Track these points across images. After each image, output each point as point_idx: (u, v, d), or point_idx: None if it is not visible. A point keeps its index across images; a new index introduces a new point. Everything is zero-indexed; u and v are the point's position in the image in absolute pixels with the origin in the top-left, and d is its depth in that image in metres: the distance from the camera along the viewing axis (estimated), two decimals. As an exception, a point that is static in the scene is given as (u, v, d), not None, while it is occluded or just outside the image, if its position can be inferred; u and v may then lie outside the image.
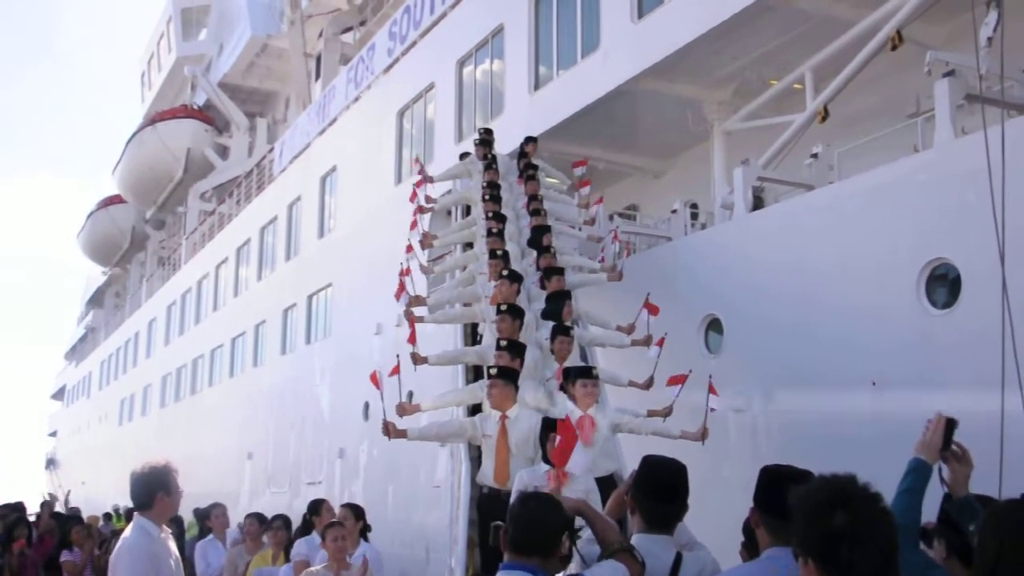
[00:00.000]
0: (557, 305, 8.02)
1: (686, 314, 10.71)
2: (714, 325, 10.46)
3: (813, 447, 8.70)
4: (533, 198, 10.44)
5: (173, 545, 4.65)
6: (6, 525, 12.10)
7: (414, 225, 11.25)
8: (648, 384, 8.19)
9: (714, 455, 9.52)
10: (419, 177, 12.24)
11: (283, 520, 8.30)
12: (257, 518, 9.07)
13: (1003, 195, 6.55)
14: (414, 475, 15.35)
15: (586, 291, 9.84)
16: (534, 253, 9.58)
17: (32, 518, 13.75)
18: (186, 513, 14.53)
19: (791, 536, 2.21)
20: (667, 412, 7.32)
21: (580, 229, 11.13)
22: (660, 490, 3.31)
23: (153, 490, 4.50)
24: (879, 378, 8.32)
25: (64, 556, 11.26)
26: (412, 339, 8.01)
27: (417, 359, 7.94)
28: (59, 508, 20.66)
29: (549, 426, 5.44)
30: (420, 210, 11.56)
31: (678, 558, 3.25)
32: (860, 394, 8.44)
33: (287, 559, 7.91)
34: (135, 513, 4.58)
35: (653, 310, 8.79)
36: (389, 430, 6.55)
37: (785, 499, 2.51)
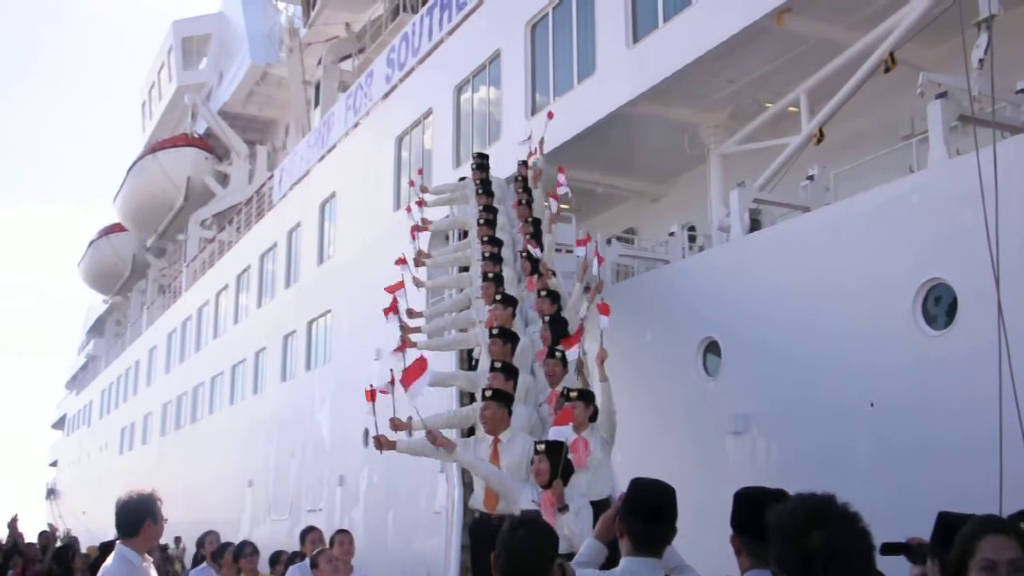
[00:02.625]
0: (560, 328, 7.97)
1: (684, 337, 10.71)
2: (712, 347, 10.45)
3: (812, 468, 8.68)
4: (527, 222, 10.42)
5: (155, 574, 4.61)
6: (5, 554, 12.09)
7: (414, 236, 11.33)
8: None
9: (713, 478, 9.51)
10: (417, 197, 12.31)
11: (253, 547, 8.30)
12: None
13: (996, 215, 6.58)
14: (414, 501, 15.30)
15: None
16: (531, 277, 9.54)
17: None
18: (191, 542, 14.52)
19: (770, 557, 2.20)
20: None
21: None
22: (648, 512, 3.28)
23: (141, 517, 4.46)
24: (876, 399, 8.30)
25: (62, 585, 11.21)
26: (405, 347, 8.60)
27: None
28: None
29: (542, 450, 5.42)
30: (416, 229, 11.60)
31: (666, 581, 3.23)
32: (858, 415, 8.41)
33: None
34: (117, 542, 4.53)
35: (603, 309, 8.63)
36: (381, 443, 6.57)
37: (763, 520, 2.51)
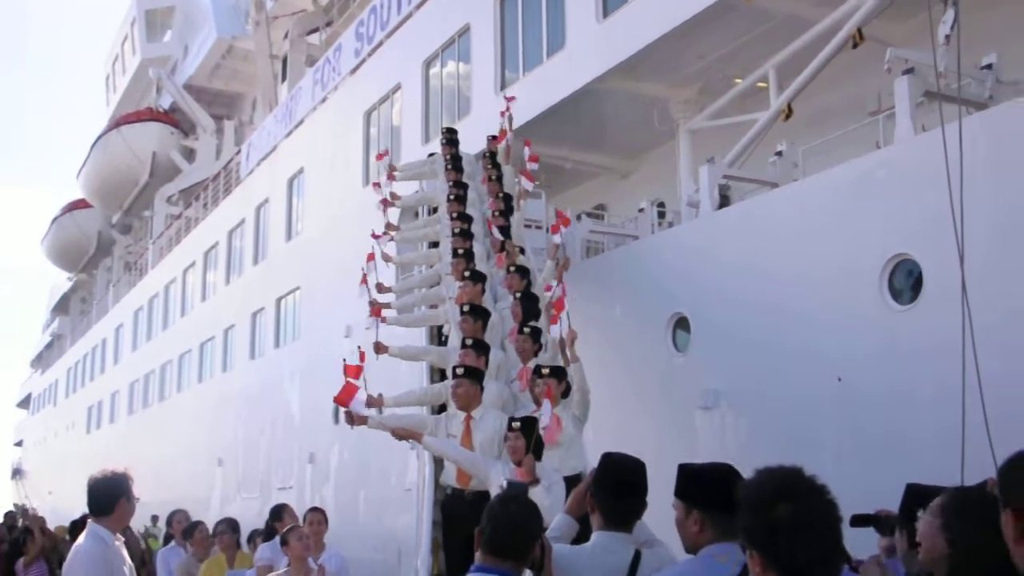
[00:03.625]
0: (532, 304, 7.94)
1: (653, 312, 10.75)
2: (681, 323, 10.50)
3: (781, 442, 8.77)
4: (497, 197, 10.38)
5: (126, 553, 4.61)
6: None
7: (385, 208, 11.33)
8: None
9: (682, 453, 9.57)
10: (386, 171, 12.25)
11: (228, 523, 8.23)
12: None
13: (961, 190, 6.63)
14: (385, 478, 15.30)
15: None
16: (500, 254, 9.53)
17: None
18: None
19: (736, 531, 2.22)
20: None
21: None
22: (619, 487, 3.31)
23: (116, 496, 4.47)
24: (844, 373, 8.38)
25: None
26: (378, 313, 9.02)
27: (380, 348, 8.01)
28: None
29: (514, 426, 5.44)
30: (384, 203, 11.55)
31: (637, 555, 3.26)
32: (826, 389, 8.50)
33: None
34: (89, 520, 4.53)
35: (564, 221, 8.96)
36: (353, 418, 6.52)
37: (716, 492, 2.57)
